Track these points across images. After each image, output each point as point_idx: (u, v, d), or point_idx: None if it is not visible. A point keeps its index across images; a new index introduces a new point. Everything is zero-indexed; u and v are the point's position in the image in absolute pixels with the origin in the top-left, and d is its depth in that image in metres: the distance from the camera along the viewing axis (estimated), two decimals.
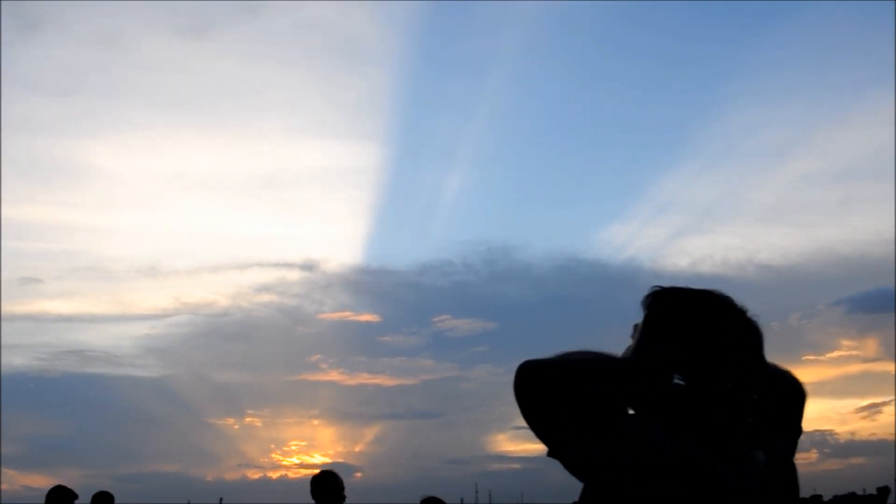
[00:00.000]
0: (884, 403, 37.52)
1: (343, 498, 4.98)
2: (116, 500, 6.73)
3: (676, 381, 1.31)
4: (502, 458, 40.32)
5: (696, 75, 47.75)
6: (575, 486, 1.35)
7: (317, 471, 5.07)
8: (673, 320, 1.39)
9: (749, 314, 1.41)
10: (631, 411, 1.33)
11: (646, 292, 1.45)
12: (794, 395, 1.54)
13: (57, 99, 43.01)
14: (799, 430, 1.52)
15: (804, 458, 1.66)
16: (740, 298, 1.43)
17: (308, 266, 42.46)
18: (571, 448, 1.26)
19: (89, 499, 6.69)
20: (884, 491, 14.81)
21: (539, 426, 1.28)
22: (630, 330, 1.44)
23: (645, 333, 1.41)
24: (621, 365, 1.35)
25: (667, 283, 1.46)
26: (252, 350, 44.00)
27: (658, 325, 1.40)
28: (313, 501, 4.95)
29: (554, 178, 49.16)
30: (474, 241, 45.81)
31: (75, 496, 6.01)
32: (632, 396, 1.32)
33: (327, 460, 37.38)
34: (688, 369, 1.32)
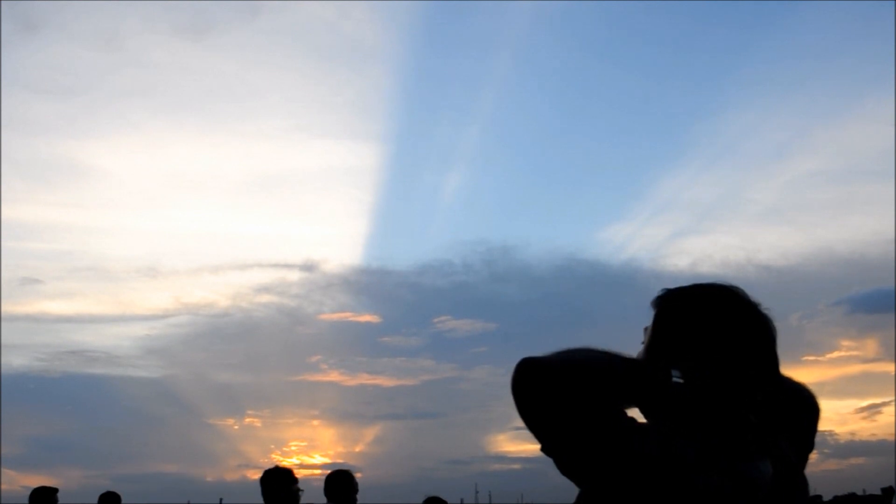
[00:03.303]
0: (884, 404, 37.57)
1: (355, 500, 4.92)
2: None
3: (675, 378, 1.28)
4: (502, 458, 40.39)
5: (696, 75, 47.81)
6: (575, 487, 1.33)
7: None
8: (680, 319, 1.37)
9: (761, 308, 1.38)
10: (637, 413, 1.30)
11: (654, 295, 1.42)
12: (807, 409, 1.50)
13: (57, 99, 43.14)
14: (811, 446, 1.47)
15: None
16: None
17: (308, 266, 42.58)
18: (564, 450, 1.25)
19: (93, 499, 6.74)
20: (888, 491, 14.75)
21: (534, 425, 1.26)
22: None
23: (654, 336, 1.39)
24: (623, 364, 1.29)
25: (674, 285, 1.42)
26: (252, 350, 44.11)
27: (666, 326, 1.38)
28: (325, 500, 4.93)
29: (553, 178, 49.25)
30: (474, 241, 45.98)
31: (55, 490, 6.11)
32: (632, 397, 1.28)
33: (327, 461, 37.47)
34: (690, 368, 1.29)
